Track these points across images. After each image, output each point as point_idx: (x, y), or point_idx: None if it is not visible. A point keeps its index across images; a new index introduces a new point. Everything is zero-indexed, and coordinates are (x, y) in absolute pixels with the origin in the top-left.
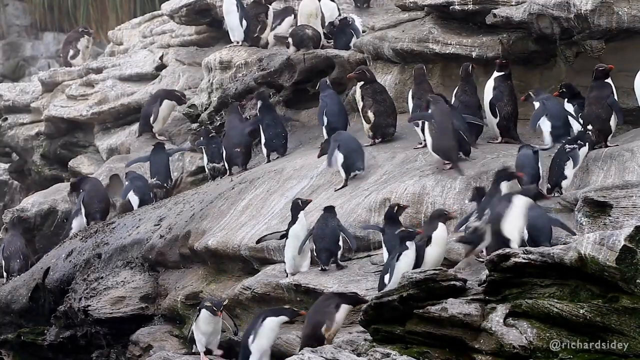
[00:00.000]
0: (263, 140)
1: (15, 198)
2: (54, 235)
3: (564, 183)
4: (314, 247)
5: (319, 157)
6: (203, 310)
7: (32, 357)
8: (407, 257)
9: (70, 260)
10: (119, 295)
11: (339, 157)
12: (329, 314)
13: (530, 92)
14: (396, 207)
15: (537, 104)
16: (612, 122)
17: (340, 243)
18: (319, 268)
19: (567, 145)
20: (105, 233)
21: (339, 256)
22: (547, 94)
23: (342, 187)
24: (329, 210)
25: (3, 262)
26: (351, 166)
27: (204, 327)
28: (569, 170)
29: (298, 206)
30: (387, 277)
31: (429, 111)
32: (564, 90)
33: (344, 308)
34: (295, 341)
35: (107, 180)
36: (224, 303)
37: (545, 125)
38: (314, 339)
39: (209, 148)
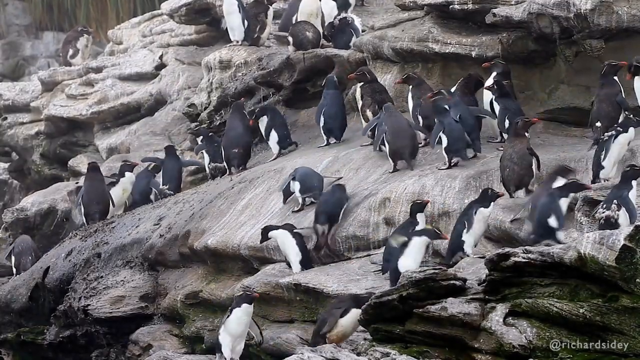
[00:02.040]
0: (276, 139)
1: (15, 197)
2: (54, 235)
3: (602, 173)
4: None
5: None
6: (235, 310)
7: (31, 356)
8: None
9: (69, 259)
10: (119, 295)
11: (296, 185)
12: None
13: (444, 91)
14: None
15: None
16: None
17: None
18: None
19: (606, 133)
20: (105, 232)
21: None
22: (455, 99)
23: (299, 210)
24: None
25: (14, 258)
26: (307, 191)
27: (235, 328)
28: (607, 160)
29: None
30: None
31: (382, 121)
32: (495, 87)
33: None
34: (295, 340)
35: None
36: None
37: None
38: (317, 337)
39: (211, 148)
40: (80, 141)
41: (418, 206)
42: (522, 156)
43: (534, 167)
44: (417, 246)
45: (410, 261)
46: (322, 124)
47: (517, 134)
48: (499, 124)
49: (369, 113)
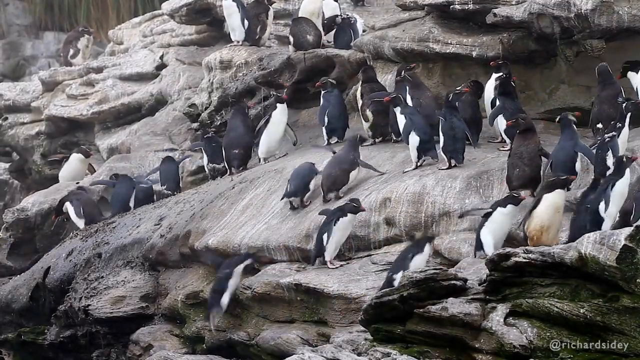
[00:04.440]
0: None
1: (15, 197)
2: (54, 235)
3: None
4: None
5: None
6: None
7: (32, 356)
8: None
9: (70, 259)
10: (119, 295)
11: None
12: None
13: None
14: None
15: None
16: None
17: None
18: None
19: (606, 135)
20: (106, 232)
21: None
22: (411, 107)
23: (295, 208)
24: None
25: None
26: (290, 194)
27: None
28: (610, 160)
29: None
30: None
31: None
32: (499, 84)
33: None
34: (295, 341)
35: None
36: None
37: (413, 139)
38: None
39: (210, 148)
40: (81, 141)
41: (514, 199)
42: (534, 157)
43: (542, 170)
44: (620, 187)
45: (614, 209)
46: (325, 123)
47: (525, 132)
48: (489, 120)
49: (368, 113)
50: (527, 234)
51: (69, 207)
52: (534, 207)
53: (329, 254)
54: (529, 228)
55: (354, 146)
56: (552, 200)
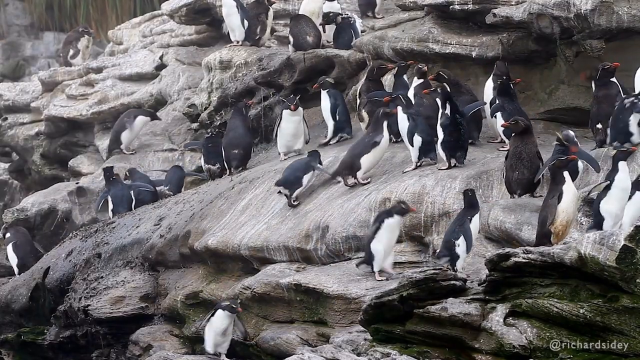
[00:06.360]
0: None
1: (15, 198)
2: (54, 235)
3: (633, 139)
4: None
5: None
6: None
7: (32, 356)
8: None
9: (70, 259)
10: (119, 295)
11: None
12: None
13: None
14: None
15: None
16: None
17: None
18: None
19: (625, 100)
20: (105, 233)
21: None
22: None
23: (293, 205)
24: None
25: (17, 260)
26: (279, 182)
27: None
28: (634, 125)
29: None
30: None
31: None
32: (498, 84)
33: None
34: (295, 341)
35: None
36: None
37: (417, 140)
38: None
39: (206, 149)
40: (81, 141)
41: (623, 154)
42: (532, 158)
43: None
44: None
45: (613, 206)
46: (335, 120)
47: (522, 133)
48: (491, 113)
49: (363, 113)
50: (552, 231)
51: (8, 242)
52: (558, 201)
53: (377, 264)
54: (556, 224)
55: (378, 125)
56: (572, 191)
